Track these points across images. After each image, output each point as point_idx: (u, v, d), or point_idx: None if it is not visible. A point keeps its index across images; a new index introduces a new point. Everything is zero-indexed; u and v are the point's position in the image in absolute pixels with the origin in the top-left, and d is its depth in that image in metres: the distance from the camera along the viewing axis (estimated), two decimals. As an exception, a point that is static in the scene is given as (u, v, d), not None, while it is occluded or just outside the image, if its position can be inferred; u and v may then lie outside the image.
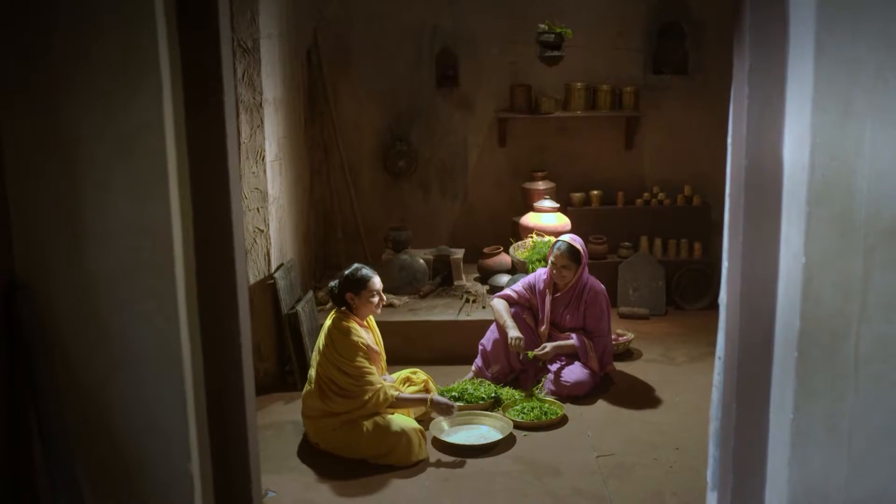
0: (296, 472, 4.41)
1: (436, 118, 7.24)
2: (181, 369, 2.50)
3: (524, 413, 4.92)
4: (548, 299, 5.43)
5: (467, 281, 6.55)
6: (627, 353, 5.94)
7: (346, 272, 4.61)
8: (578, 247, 5.33)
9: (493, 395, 5.13)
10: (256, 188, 5.31)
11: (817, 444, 2.37)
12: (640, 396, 5.30)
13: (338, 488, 4.24)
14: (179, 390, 2.51)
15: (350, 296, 4.56)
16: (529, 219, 6.58)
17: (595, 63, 7.10)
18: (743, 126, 2.50)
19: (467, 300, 6.17)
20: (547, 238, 6.25)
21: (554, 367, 5.32)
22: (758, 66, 2.42)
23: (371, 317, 4.75)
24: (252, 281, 5.33)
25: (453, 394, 5.11)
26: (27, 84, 2.36)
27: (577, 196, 7.10)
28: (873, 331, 2.32)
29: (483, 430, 4.77)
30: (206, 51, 2.48)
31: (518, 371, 5.44)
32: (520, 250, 6.39)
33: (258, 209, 5.34)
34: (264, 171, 5.32)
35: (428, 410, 4.72)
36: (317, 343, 4.62)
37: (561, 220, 6.55)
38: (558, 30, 6.49)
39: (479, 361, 5.46)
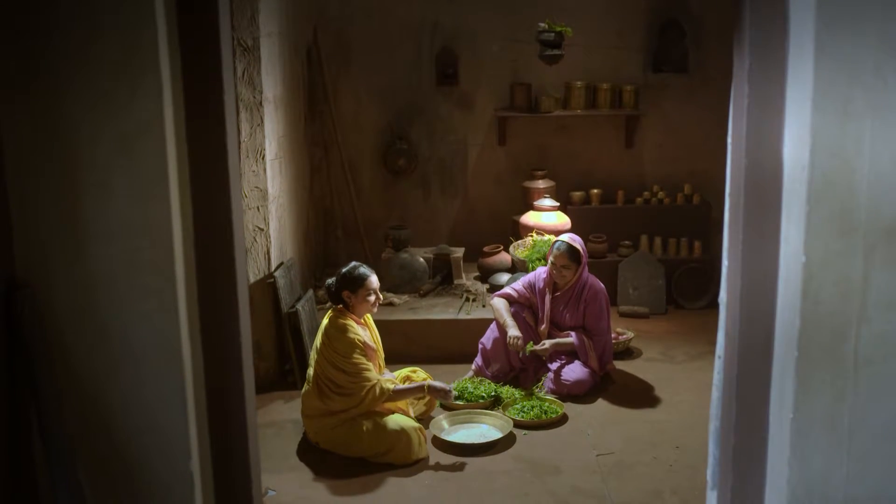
0: (296, 471, 4.41)
1: (436, 116, 7.24)
2: (181, 368, 2.50)
3: (524, 412, 4.92)
4: (547, 298, 5.43)
5: (467, 280, 6.55)
6: (627, 352, 5.94)
7: (344, 270, 4.61)
8: (578, 246, 5.33)
9: (493, 393, 5.13)
10: (256, 187, 5.31)
11: (817, 443, 2.37)
12: (639, 395, 5.30)
13: (337, 487, 4.25)
14: (180, 389, 2.51)
15: (347, 294, 4.56)
16: (529, 217, 6.58)
17: (595, 61, 7.10)
18: (743, 125, 2.50)
19: (467, 299, 6.17)
20: (547, 237, 6.25)
21: (554, 365, 5.32)
22: (758, 65, 2.42)
23: (368, 315, 4.75)
24: (252, 280, 5.34)
25: (453, 392, 5.11)
26: (28, 84, 2.36)
27: (576, 195, 7.10)
28: (873, 330, 2.32)
29: (483, 429, 4.77)
30: (206, 50, 2.48)
31: (518, 370, 5.44)
32: (520, 249, 6.39)
33: (258, 208, 5.34)
34: (264, 170, 5.32)
35: (425, 398, 4.78)
36: (315, 342, 4.62)
37: (561, 219, 6.55)
38: (558, 28, 6.49)
39: (479, 360, 5.46)
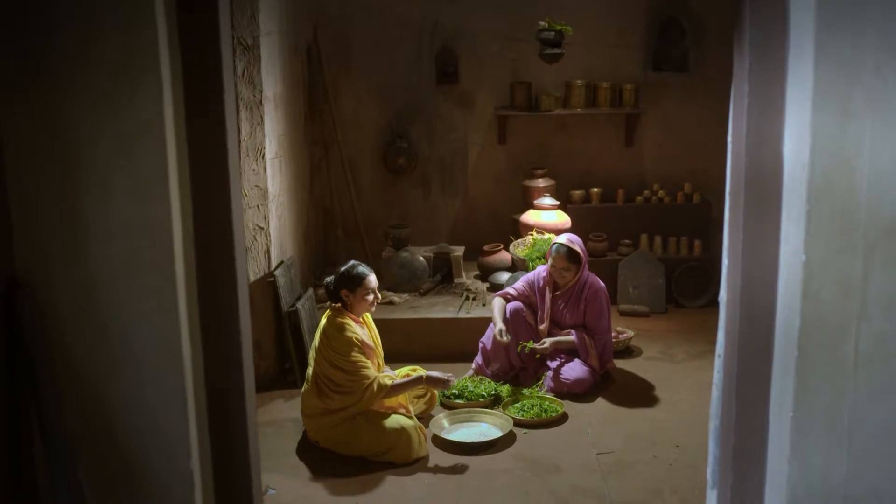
0: (296, 470, 4.41)
1: (436, 115, 7.24)
2: (181, 367, 2.50)
3: (524, 410, 4.92)
4: (548, 297, 5.43)
5: (467, 278, 6.55)
6: (627, 351, 5.95)
7: (343, 269, 4.61)
8: (577, 248, 5.33)
9: (493, 392, 5.13)
10: (256, 186, 5.31)
11: (817, 441, 2.37)
12: (639, 394, 5.31)
13: (337, 486, 4.25)
14: (180, 388, 2.51)
15: (345, 293, 4.56)
16: (529, 216, 6.58)
17: (595, 60, 7.10)
18: (743, 124, 2.50)
19: (467, 298, 6.17)
20: (547, 235, 6.25)
21: (554, 364, 5.32)
22: (758, 65, 2.42)
23: (368, 314, 4.75)
24: (252, 278, 5.34)
25: (454, 391, 5.12)
26: (28, 84, 2.36)
27: (577, 193, 7.11)
28: (873, 329, 2.32)
29: (483, 428, 4.77)
30: (206, 49, 2.48)
31: (518, 369, 5.45)
32: (520, 248, 6.39)
33: (258, 207, 5.34)
34: (264, 169, 5.32)
35: (426, 396, 4.82)
36: (314, 342, 4.62)
37: (561, 218, 6.55)
38: (558, 27, 6.49)
39: (479, 359, 5.47)
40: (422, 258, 6.40)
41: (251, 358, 2.79)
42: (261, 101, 5.22)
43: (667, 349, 6.04)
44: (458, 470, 4.37)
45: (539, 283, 5.49)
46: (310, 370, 4.55)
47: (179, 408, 2.51)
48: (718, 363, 2.83)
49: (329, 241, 7.22)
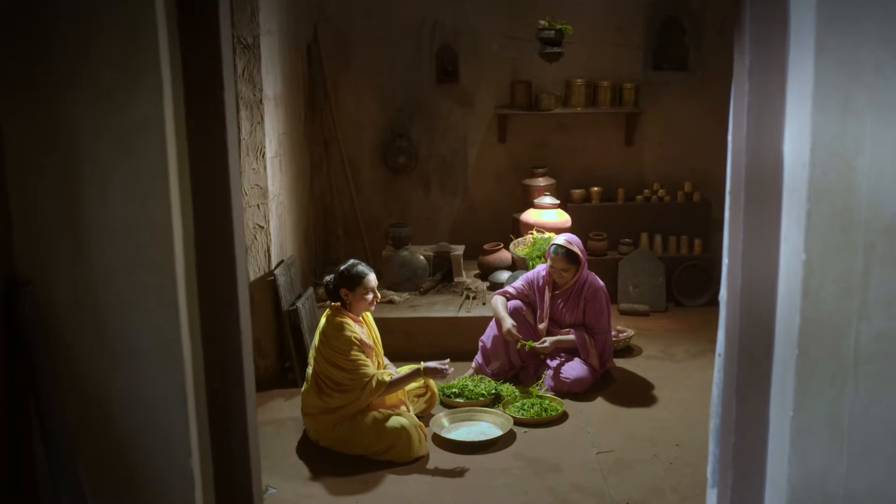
0: (296, 469, 4.42)
1: (436, 114, 7.24)
2: (181, 366, 2.50)
3: (524, 409, 4.92)
4: (547, 296, 5.43)
5: (467, 277, 6.55)
6: (627, 350, 5.95)
7: (342, 268, 4.61)
8: (575, 248, 5.33)
9: (493, 391, 5.14)
10: (257, 185, 5.31)
11: (817, 440, 2.37)
12: (640, 393, 5.31)
13: (337, 485, 4.25)
14: (180, 387, 2.51)
15: (345, 292, 4.56)
16: (530, 215, 6.58)
17: (595, 59, 7.10)
18: (743, 122, 2.50)
19: (467, 297, 6.17)
20: (547, 234, 6.25)
21: (554, 363, 5.32)
22: (758, 63, 2.42)
23: (368, 313, 4.75)
24: (252, 277, 5.34)
25: (454, 390, 5.12)
26: (28, 83, 2.36)
27: (577, 192, 7.10)
28: (873, 328, 2.32)
29: (483, 427, 4.78)
30: (206, 49, 2.48)
31: (518, 368, 5.45)
32: (520, 247, 6.39)
33: (258, 206, 5.34)
34: (264, 168, 5.32)
35: (427, 395, 4.86)
36: (313, 341, 4.62)
37: (561, 217, 6.55)
38: (558, 26, 6.49)
39: (479, 358, 5.47)
40: (422, 257, 6.40)
41: (251, 357, 2.79)
42: (261, 100, 5.22)
43: (667, 348, 6.04)
44: (458, 469, 4.37)
45: (538, 283, 5.49)
46: (310, 369, 4.55)
47: (179, 406, 2.51)
48: (718, 362, 2.83)
49: (329, 240, 7.22)
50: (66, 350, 2.47)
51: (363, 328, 4.65)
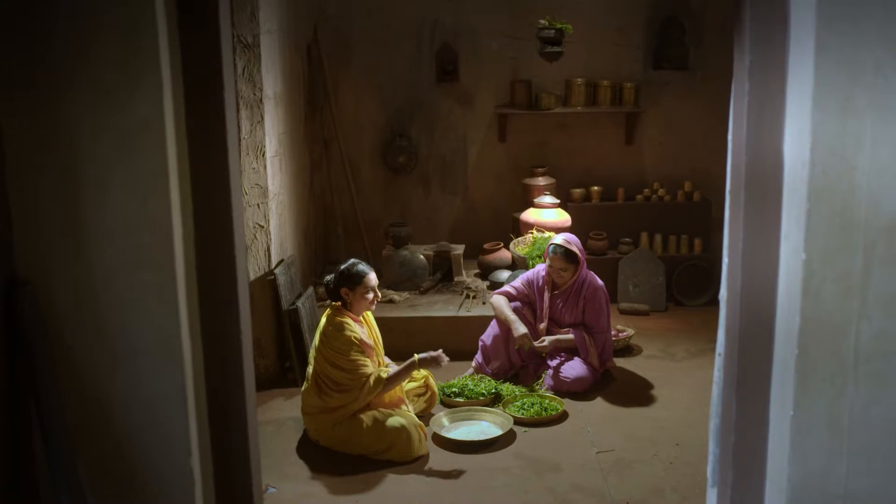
0: (296, 468, 4.41)
1: (436, 113, 7.24)
2: (182, 365, 2.50)
3: (524, 409, 4.92)
4: (546, 296, 5.43)
5: (467, 277, 6.56)
6: (627, 350, 5.95)
7: (342, 267, 4.61)
8: (574, 248, 5.32)
9: (493, 391, 5.14)
10: (257, 184, 5.31)
11: (817, 440, 2.37)
12: (639, 392, 5.31)
13: (337, 484, 4.25)
14: (180, 386, 2.51)
15: (345, 291, 4.56)
16: (530, 215, 6.58)
17: (595, 59, 7.10)
18: (743, 122, 2.50)
19: (467, 296, 6.18)
20: (547, 234, 6.25)
21: (554, 362, 5.32)
22: (758, 63, 2.42)
23: (368, 312, 4.74)
24: (252, 277, 5.34)
25: (454, 389, 5.12)
26: (28, 83, 2.36)
27: (577, 192, 7.10)
28: (873, 327, 2.32)
29: (483, 426, 4.78)
30: (206, 48, 2.48)
31: (518, 367, 5.45)
32: (520, 246, 6.39)
33: (258, 205, 5.34)
34: (264, 167, 5.32)
35: (427, 395, 4.86)
36: (313, 340, 4.62)
37: (561, 216, 6.55)
38: (559, 25, 6.49)
39: (479, 357, 5.47)
40: (422, 256, 6.40)
41: (251, 356, 2.79)
42: (261, 100, 5.22)
43: (667, 348, 6.04)
44: (458, 469, 4.37)
45: (538, 282, 5.49)
46: (310, 369, 4.55)
47: (180, 406, 2.51)
48: (719, 361, 2.84)
49: (329, 239, 7.22)
50: (66, 350, 2.47)
51: (364, 328, 4.65)
